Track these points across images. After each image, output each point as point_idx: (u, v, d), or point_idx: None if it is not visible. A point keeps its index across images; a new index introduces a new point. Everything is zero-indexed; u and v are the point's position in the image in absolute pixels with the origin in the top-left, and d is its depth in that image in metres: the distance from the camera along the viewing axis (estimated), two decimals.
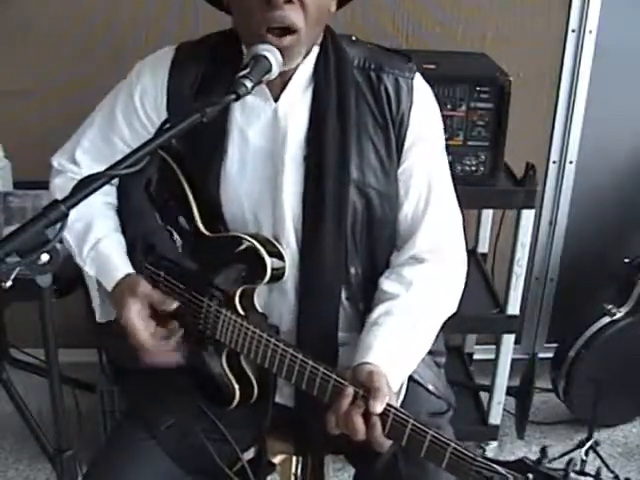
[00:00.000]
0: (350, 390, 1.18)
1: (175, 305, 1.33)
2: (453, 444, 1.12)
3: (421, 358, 1.34)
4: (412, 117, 1.33)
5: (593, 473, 1.07)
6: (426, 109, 1.36)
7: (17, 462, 2.32)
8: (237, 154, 1.33)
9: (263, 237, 1.33)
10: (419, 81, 1.36)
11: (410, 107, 1.33)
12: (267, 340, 1.28)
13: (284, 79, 1.29)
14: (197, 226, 1.36)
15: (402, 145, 1.33)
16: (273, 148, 1.32)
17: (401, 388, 1.29)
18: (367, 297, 1.38)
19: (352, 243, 1.35)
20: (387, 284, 1.35)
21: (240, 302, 1.32)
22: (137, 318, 1.31)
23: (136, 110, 1.37)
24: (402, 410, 1.16)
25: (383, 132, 1.32)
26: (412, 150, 1.34)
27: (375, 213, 1.34)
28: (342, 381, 1.20)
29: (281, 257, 1.32)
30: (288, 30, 1.20)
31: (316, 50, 1.32)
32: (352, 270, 1.36)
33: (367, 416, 1.16)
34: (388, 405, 1.15)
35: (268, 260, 1.29)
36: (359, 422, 1.16)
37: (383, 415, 1.15)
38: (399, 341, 1.27)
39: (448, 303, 1.38)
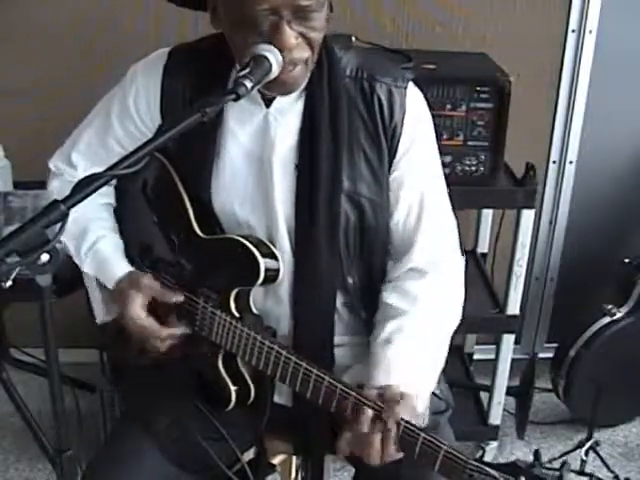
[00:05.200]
0: (369, 412, 1.17)
1: (181, 298, 1.34)
2: (445, 447, 1.12)
3: (439, 372, 1.33)
4: (405, 127, 1.32)
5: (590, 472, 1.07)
6: (419, 119, 1.35)
7: (17, 462, 2.32)
8: (228, 157, 1.33)
9: (256, 238, 1.33)
10: (412, 90, 1.35)
11: (403, 117, 1.32)
12: (261, 342, 1.28)
13: None
14: (192, 228, 1.36)
15: (394, 154, 1.33)
16: (262, 153, 1.32)
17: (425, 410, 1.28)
18: (367, 304, 1.38)
19: (346, 252, 1.34)
20: (392, 299, 1.34)
21: (235, 304, 1.32)
22: (141, 310, 1.32)
23: (130, 114, 1.37)
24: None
25: (375, 141, 1.32)
26: (404, 159, 1.34)
27: (368, 222, 1.34)
28: (336, 383, 1.21)
29: (275, 258, 1.32)
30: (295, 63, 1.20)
31: None
32: (349, 279, 1.36)
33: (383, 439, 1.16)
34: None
35: (261, 261, 1.29)
36: (377, 446, 1.16)
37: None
38: (419, 360, 1.27)
39: (454, 314, 1.38)
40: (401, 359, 1.26)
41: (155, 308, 1.35)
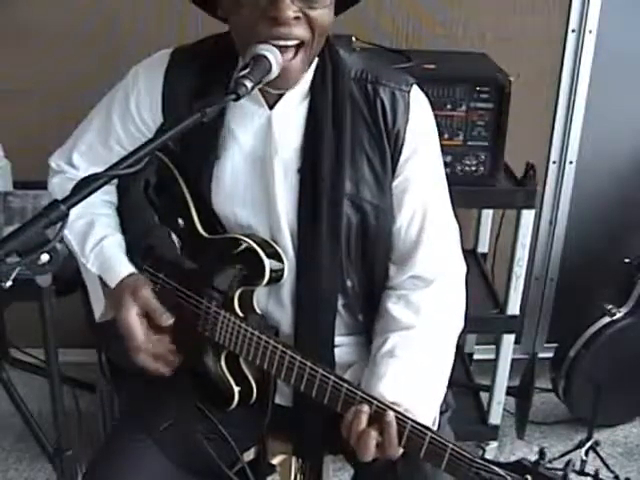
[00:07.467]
0: (365, 408, 1.17)
1: (170, 322, 1.33)
2: (451, 445, 1.12)
3: (446, 383, 1.33)
4: (408, 132, 1.31)
5: (592, 473, 1.07)
6: (422, 124, 1.34)
7: (17, 462, 2.31)
8: (229, 158, 1.32)
9: (261, 238, 1.33)
10: (416, 94, 1.34)
11: (406, 122, 1.31)
12: (266, 342, 1.28)
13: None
14: (195, 227, 1.36)
15: (397, 159, 1.32)
16: (264, 156, 1.31)
17: (434, 422, 1.28)
18: (365, 307, 1.38)
19: (347, 256, 1.34)
20: (397, 310, 1.34)
21: (239, 304, 1.32)
22: (135, 319, 1.32)
23: (132, 114, 1.37)
24: (400, 411, 1.16)
25: (378, 145, 1.31)
26: (407, 164, 1.33)
27: (370, 226, 1.33)
28: (341, 382, 1.21)
29: (279, 258, 1.32)
30: (296, 46, 1.19)
31: (315, 61, 1.30)
32: (349, 283, 1.36)
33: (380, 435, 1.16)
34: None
35: (267, 261, 1.29)
36: (372, 445, 1.16)
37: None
38: (423, 375, 1.27)
39: (458, 322, 1.37)
40: (406, 373, 1.25)
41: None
